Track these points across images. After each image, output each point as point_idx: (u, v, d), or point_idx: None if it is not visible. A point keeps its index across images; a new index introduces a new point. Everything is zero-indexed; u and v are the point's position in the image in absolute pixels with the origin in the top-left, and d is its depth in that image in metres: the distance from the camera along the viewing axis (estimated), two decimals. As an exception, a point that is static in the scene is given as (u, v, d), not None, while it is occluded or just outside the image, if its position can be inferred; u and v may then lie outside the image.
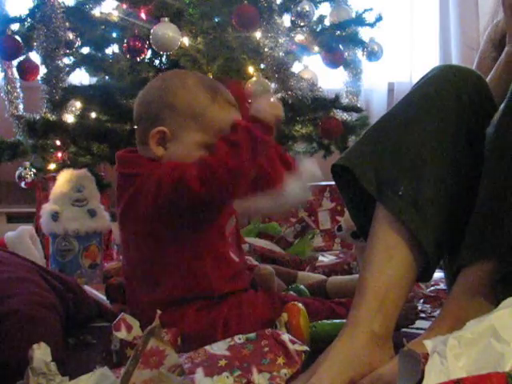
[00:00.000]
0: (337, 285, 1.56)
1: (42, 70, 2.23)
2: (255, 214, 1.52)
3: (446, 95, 1.10)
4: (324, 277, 1.65)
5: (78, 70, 2.43)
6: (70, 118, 2.27)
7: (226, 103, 1.26)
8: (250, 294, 1.26)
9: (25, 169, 2.39)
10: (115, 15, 2.35)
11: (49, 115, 2.22)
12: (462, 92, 1.10)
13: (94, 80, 2.67)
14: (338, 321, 1.22)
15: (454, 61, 3.35)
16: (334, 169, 1.15)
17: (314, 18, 2.45)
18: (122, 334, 1.02)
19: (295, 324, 1.14)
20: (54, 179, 1.83)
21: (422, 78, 1.16)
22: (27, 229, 1.85)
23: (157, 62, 2.38)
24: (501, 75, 1.30)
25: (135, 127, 1.31)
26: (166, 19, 2.09)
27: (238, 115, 1.27)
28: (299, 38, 2.44)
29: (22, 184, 2.40)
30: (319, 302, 1.34)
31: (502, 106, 1.05)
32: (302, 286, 1.53)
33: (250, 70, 2.25)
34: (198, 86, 1.27)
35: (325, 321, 1.24)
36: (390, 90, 3.40)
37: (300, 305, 1.19)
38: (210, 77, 1.34)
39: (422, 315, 1.48)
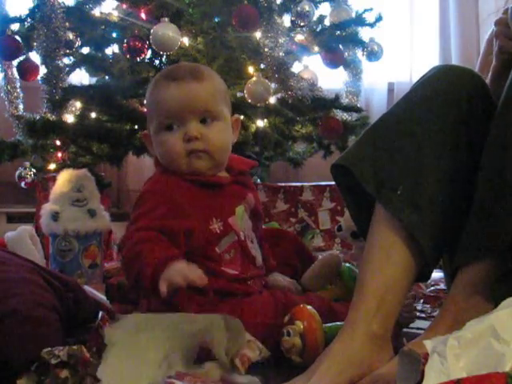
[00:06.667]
0: (309, 278, 1.50)
1: (42, 70, 2.22)
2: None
3: (445, 96, 1.10)
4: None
5: (78, 70, 2.43)
6: (70, 118, 2.27)
7: (164, 79, 1.25)
8: (253, 298, 1.24)
9: (25, 169, 2.39)
10: (115, 15, 2.35)
11: (49, 115, 2.22)
12: (461, 92, 1.10)
13: (94, 80, 2.68)
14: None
15: (454, 61, 3.35)
16: (334, 168, 1.15)
17: (314, 18, 2.45)
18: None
19: (310, 329, 1.13)
20: (54, 179, 1.82)
21: (421, 78, 1.16)
22: (27, 229, 1.84)
23: (157, 61, 2.37)
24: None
25: None
26: (166, 19, 2.09)
27: (182, 88, 1.22)
28: (299, 37, 2.43)
29: (22, 184, 2.40)
30: (318, 299, 1.32)
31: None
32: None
33: (250, 69, 2.24)
34: (155, 78, 1.29)
35: (337, 323, 1.20)
36: (390, 90, 3.40)
37: (310, 308, 1.17)
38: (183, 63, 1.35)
39: (422, 315, 1.48)
